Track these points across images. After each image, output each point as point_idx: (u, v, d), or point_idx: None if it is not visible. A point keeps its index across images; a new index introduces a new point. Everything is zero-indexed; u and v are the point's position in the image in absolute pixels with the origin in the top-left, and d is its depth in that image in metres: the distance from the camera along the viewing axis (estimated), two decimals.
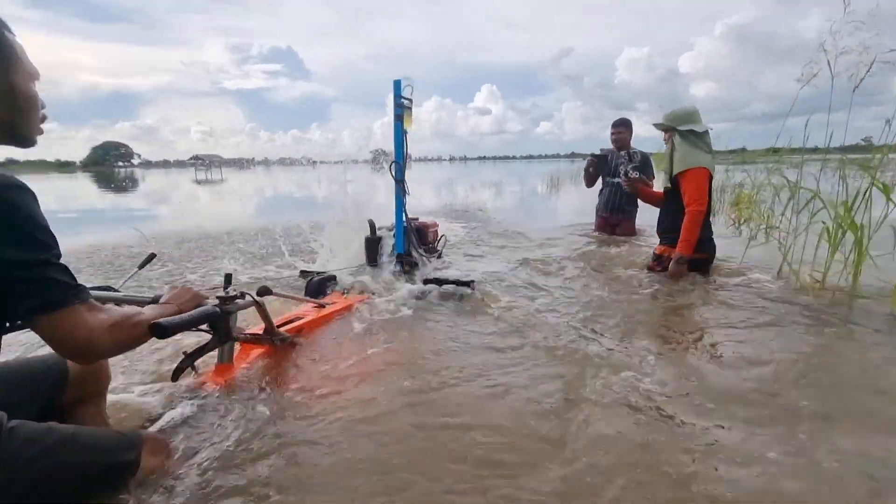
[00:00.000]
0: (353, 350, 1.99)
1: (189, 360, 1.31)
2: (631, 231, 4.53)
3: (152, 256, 1.73)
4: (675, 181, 3.01)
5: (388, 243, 3.01)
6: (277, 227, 4.90)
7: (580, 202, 7.43)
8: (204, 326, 1.37)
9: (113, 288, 1.45)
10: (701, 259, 3.02)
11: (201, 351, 1.33)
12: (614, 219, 4.55)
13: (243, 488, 1.13)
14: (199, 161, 44.56)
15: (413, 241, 3.09)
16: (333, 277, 2.82)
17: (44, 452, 0.92)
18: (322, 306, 2.36)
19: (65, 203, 12.36)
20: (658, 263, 3.11)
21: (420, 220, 3.34)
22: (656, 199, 3.38)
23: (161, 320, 1.02)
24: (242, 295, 1.42)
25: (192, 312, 1.13)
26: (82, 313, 0.89)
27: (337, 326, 2.27)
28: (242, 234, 5.43)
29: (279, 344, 1.81)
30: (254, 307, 1.54)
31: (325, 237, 3.46)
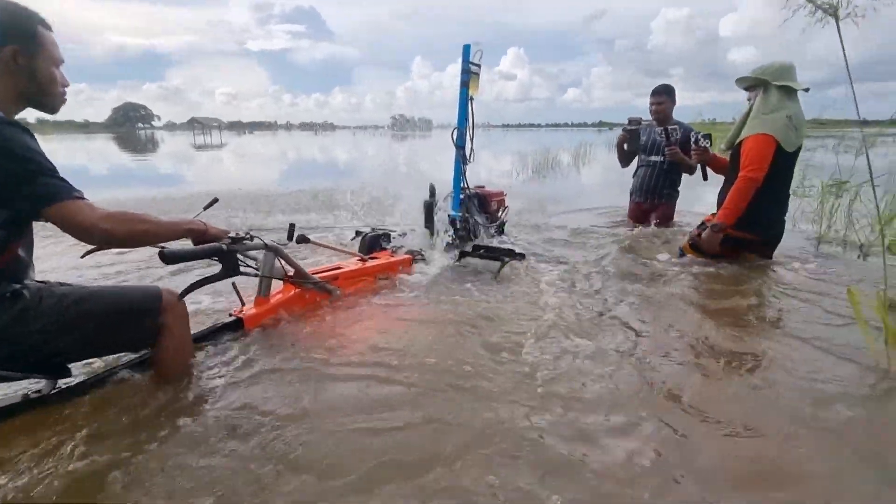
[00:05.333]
0: (368, 303, 2.15)
1: (194, 286, 1.45)
2: (668, 217, 3.86)
3: (215, 200, 1.96)
4: (737, 149, 2.62)
5: (443, 208, 2.97)
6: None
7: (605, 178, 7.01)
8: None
9: None
10: (748, 240, 2.65)
11: (207, 280, 1.47)
12: (650, 204, 3.87)
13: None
14: (196, 124, 42.28)
15: (471, 210, 3.06)
16: (387, 235, 2.87)
17: (77, 301, 1.26)
18: (364, 261, 2.44)
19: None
20: (700, 229, 2.73)
21: (486, 189, 3.30)
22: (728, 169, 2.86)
23: (166, 250, 1.24)
24: (251, 238, 1.55)
25: (199, 247, 1.33)
26: (80, 205, 1.14)
27: (371, 281, 2.38)
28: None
29: (310, 287, 1.98)
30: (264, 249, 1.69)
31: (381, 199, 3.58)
